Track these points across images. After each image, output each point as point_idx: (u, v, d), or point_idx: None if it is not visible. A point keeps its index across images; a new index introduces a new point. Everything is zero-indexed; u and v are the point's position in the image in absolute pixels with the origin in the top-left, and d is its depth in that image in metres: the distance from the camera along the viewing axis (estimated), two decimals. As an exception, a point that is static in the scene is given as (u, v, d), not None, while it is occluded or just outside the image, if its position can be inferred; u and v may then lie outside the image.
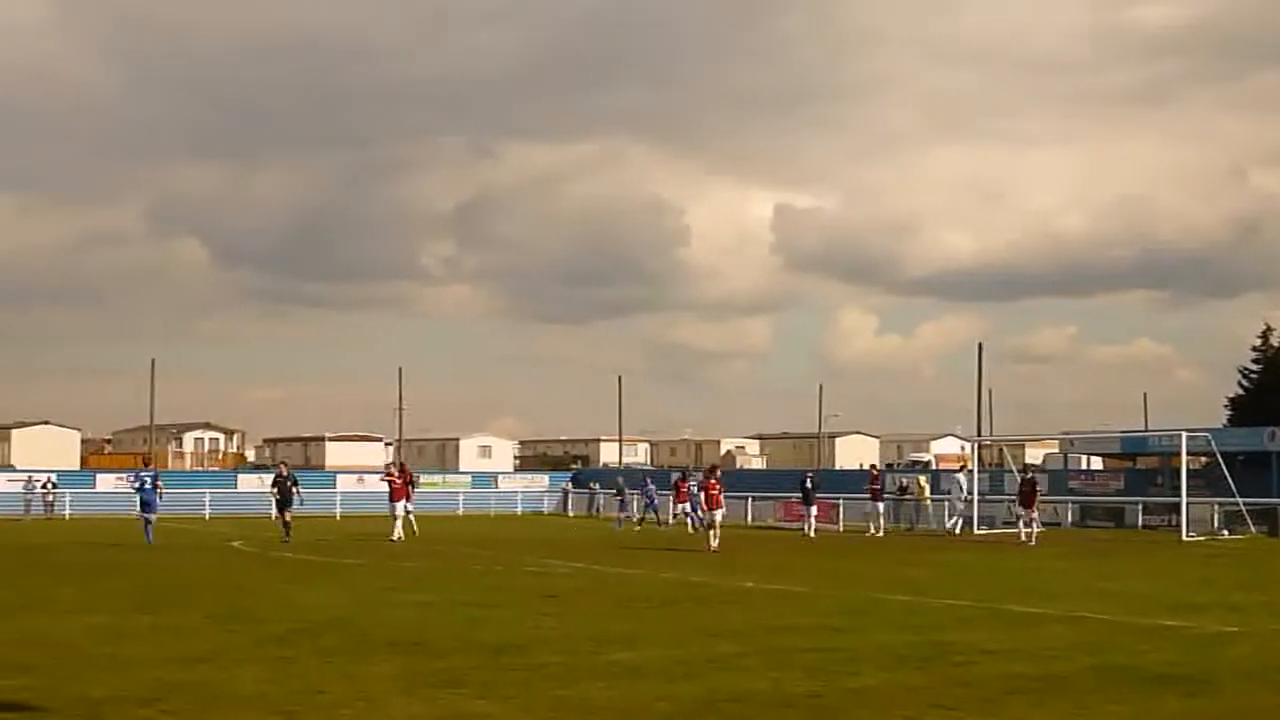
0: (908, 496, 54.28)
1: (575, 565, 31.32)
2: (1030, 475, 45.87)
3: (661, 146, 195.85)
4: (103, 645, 16.60)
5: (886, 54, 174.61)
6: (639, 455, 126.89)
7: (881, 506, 49.63)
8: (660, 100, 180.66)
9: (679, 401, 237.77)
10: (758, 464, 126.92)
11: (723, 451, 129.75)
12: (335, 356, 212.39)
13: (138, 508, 41.47)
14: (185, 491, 63.74)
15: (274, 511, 43.43)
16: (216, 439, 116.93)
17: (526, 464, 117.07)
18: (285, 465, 47.59)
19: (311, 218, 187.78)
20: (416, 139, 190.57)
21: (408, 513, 41.92)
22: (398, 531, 40.67)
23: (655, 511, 55.88)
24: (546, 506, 72.32)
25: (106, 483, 67.84)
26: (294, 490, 41.25)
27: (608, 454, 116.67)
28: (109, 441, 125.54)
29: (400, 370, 78.74)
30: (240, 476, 76.94)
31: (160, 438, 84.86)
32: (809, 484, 49.34)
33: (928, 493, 53.41)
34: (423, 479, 73.51)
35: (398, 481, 42.50)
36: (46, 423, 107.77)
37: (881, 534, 47.64)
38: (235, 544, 38.54)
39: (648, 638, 17.98)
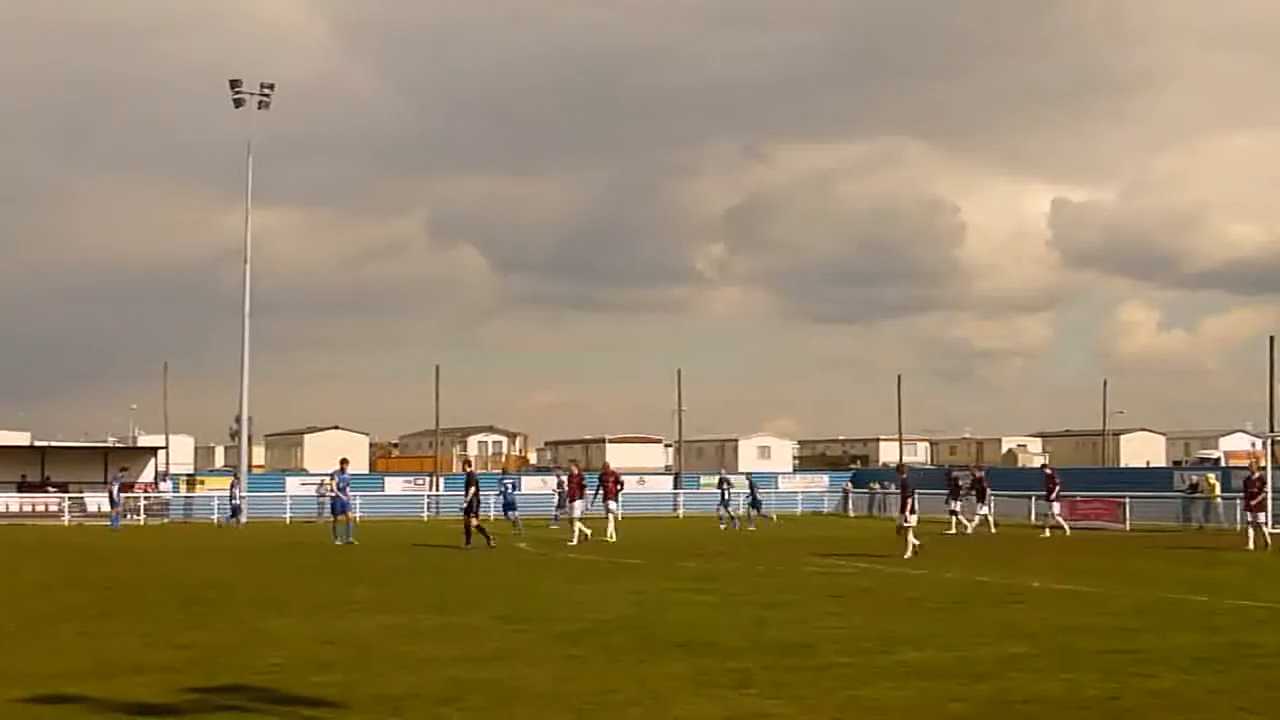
0: (1198, 495, 52.81)
1: (859, 565, 31.13)
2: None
3: (936, 144, 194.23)
4: (398, 644, 16.99)
5: (1166, 42, 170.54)
6: (919, 454, 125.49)
7: (1057, 507, 47.64)
8: (935, 97, 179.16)
9: (958, 400, 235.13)
10: (1039, 462, 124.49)
11: (1003, 450, 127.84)
12: (614, 359, 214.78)
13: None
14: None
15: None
16: (500, 442, 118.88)
17: (805, 464, 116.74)
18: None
19: (587, 224, 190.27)
20: (689, 144, 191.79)
21: (580, 516, 41.11)
22: (576, 535, 39.75)
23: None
24: (826, 506, 71.95)
25: (394, 486, 69.44)
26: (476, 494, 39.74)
27: (887, 453, 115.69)
28: (396, 445, 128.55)
29: (679, 372, 78.66)
30: (523, 479, 78.06)
31: (445, 441, 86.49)
32: (960, 480, 48.85)
33: (1218, 490, 51.92)
34: (703, 479, 74.11)
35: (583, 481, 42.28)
36: (337, 427, 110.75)
37: (1054, 532, 46.11)
38: (520, 545, 39.11)
39: (936, 637, 17.78)
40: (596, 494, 43.98)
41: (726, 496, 54.49)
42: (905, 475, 35.15)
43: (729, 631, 18.23)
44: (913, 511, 33.69)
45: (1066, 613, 20.91)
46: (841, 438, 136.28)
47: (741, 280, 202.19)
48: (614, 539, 40.49)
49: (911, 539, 33.14)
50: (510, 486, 49.35)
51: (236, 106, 65.76)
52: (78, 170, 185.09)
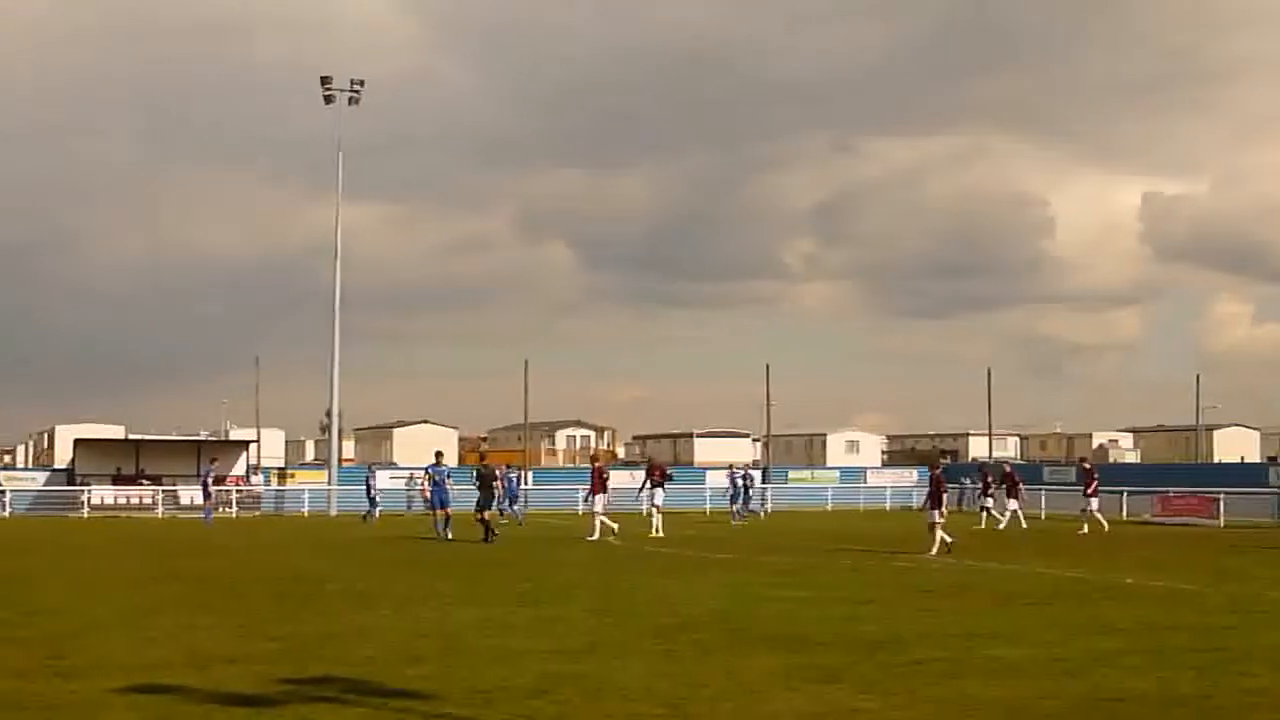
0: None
1: (949, 560, 30.96)
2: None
3: (1025, 137, 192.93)
4: (489, 637, 17.05)
5: (1257, 31, 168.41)
6: (1009, 449, 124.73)
7: (1095, 503, 46.54)
8: (1024, 90, 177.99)
9: (1048, 395, 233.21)
10: (1131, 458, 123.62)
11: (1094, 445, 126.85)
12: (702, 354, 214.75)
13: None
14: (558, 487, 65.24)
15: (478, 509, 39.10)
16: (588, 436, 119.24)
17: (894, 459, 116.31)
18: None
19: (674, 219, 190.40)
20: (778, 138, 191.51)
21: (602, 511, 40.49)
22: (596, 531, 39.15)
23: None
24: (915, 501, 71.60)
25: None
26: (496, 487, 39.29)
27: (977, 448, 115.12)
28: (485, 439, 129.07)
29: (767, 367, 78.56)
30: (611, 473, 78.20)
31: (533, 435, 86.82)
32: (991, 477, 48.59)
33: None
34: (791, 474, 74.03)
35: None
36: (426, 421, 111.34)
37: (1092, 528, 45.31)
38: (611, 539, 39.17)
39: (1028, 634, 17.65)
40: (643, 488, 43.80)
41: (743, 491, 53.89)
42: (939, 471, 34.63)
43: (819, 626, 18.18)
44: (938, 507, 33.25)
45: (1159, 609, 20.74)
46: (931, 432, 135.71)
47: (830, 275, 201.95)
48: (660, 534, 40.26)
49: (941, 535, 32.73)
50: (514, 480, 49.87)
51: (327, 103, 66.25)
52: (172, 167, 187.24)
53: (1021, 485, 48.07)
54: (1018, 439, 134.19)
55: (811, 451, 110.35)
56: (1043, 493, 57.24)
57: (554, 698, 12.67)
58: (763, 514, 53.04)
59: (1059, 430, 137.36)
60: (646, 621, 18.78)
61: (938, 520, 32.81)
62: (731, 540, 38.77)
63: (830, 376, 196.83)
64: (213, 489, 55.19)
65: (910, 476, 77.52)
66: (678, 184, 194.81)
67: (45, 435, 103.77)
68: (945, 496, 33.74)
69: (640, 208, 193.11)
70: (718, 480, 70.56)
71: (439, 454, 42.82)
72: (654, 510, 42.83)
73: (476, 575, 27.39)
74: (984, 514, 47.92)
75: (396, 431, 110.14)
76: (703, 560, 31.05)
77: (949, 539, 32.67)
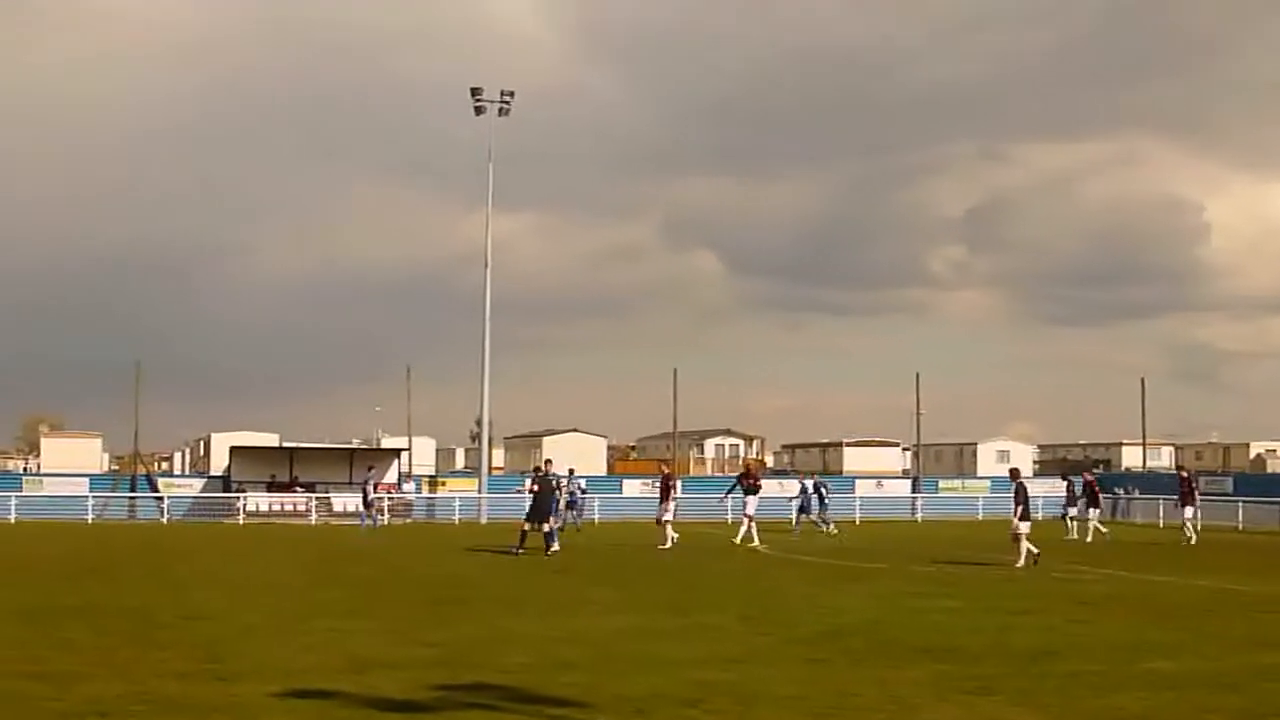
0: None
1: (1103, 571, 30.56)
2: None
3: (1179, 142, 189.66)
4: (640, 645, 17.10)
5: None
6: (1162, 459, 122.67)
7: (1189, 510, 45.44)
8: (1179, 94, 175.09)
9: (1203, 403, 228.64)
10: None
11: (1252, 455, 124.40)
12: (851, 363, 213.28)
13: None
14: (708, 496, 65.17)
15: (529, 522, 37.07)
16: (736, 445, 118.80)
17: (1046, 468, 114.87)
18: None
19: (823, 226, 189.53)
20: (926, 145, 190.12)
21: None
22: (669, 540, 39.00)
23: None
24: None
25: (632, 488, 69.78)
26: (559, 494, 37.98)
27: (1130, 458, 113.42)
28: (634, 448, 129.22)
29: (917, 375, 77.90)
30: (762, 482, 78.05)
31: (682, 444, 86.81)
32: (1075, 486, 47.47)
33: None
34: (942, 484, 73.49)
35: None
36: (575, 430, 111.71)
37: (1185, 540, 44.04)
38: (760, 547, 39.06)
39: (1185, 647, 17.39)
40: (730, 492, 43.31)
41: (815, 501, 52.57)
42: (1019, 480, 33.79)
43: (972, 637, 18.03)
44: (1025, 518, 32.56)
45: (1323, 623, 20.34)
46: (1083, 442, 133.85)
47: (980, 282, 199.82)
48: (745, 542, 39.89)
49: (1025, 546, 32.06)
50: (578, 488, 50.14)
51: (478, 114, 66.77)
52: (325, 178, 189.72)
53: (1100, 495, 47.00)
54: (1172, 448, 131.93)
55: (962, 460, 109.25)
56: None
57: (706, 707, 12.67)
58: (826, 529, 50.28)
59: (1214, 439, 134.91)
60: (797, 630, 18.74)
61: (1022, 531, 32.23)
62: (882, 550, 38.52)
63: (980, 385, 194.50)
64: (374, 496, 55.97)
65: (1062, 486, 76.52)
66: (826, 191, 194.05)
67: (201, 442, 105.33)
68: (1027, 507, 32.98)
69: (788, 215, 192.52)
70: (867, 489, 70.33)
71: (548, 463, 42.29)
72: (745, 518, 42.12)
73: (628, 583, 27.48)
74: (1071, 524, 46.87)
75: (546, 440, 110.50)
76: (855, 569, 30.86)
77: (1035, 550, 32.07)
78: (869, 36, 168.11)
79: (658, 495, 41.60)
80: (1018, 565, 31.35)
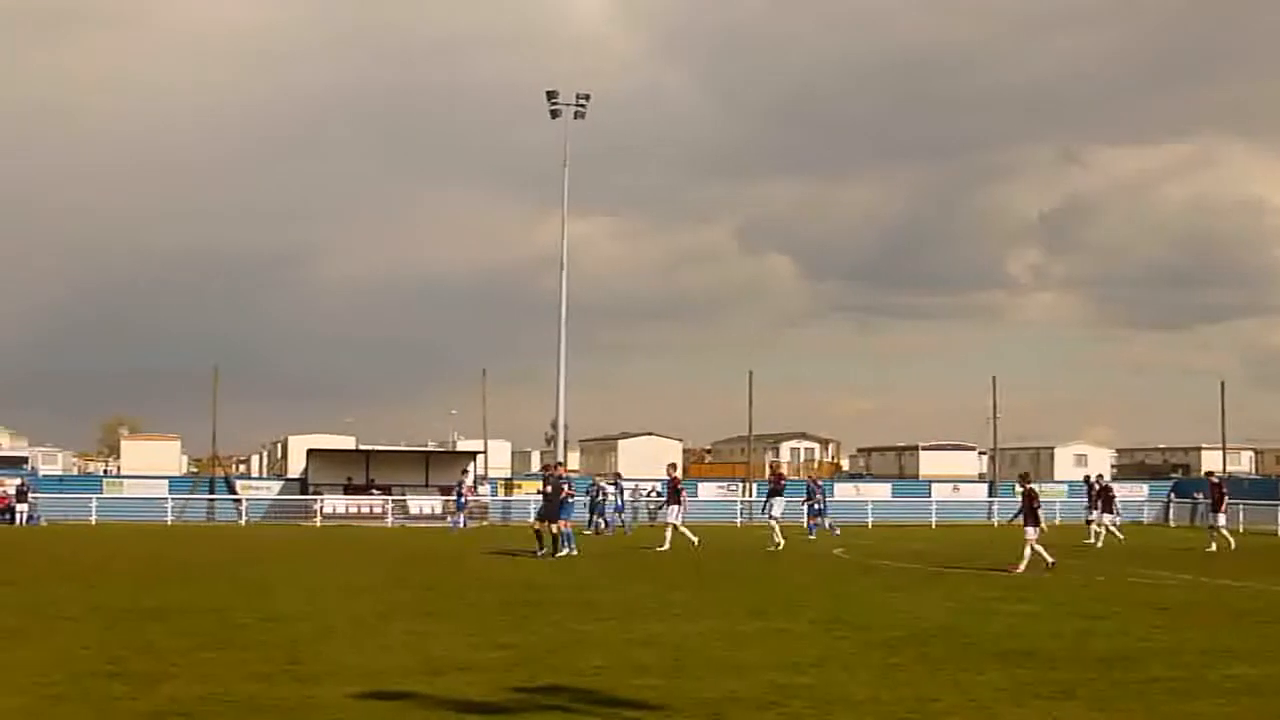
0: None
1: (1183, 576, 30.32)
2: None
3: (1259, 142, 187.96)
4: (716, 648, 17.08)
5: None
6: (1243, 464, 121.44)
7: (1223, 518, 44.55)
8: (1257, 95, 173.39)
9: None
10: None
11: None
12: (925, 365, 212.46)
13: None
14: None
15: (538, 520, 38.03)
16: (812, 449, 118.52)
17: (1124, 472, 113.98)
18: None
19: (897, 229, 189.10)
20: (1002, 147, 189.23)
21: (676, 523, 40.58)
22: (667, 541, 39.64)
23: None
24: (1146, 516, 70.30)
25: (707, 491, 69.79)
26: (571, 497, 38.01)
27: (1210, 463, 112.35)
28: (709, 451, 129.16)
29: (994, 379, 77.50)
30: (836, 485, 77.89)
31: (757, 447, 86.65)
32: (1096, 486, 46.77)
33: None
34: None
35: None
36: (650, 433, 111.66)
37: (1220, 545, 43.04)
38: (836, 551, 38.98)
39: (1265, 652, 17.23)
40: (769, 501, 42.98)
41: (819, 505, 52.16)
42: (1029, 486, 32.94)
43: (1050, 641, 17.92)
44: (1036, 524, 32.00)
45: (1407, 629, 20.09)
46: (1162, 446, 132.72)
47: (1057, 285, 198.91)
48: (780, 546, 39.72)
49: (1030, 552, 31.49)
50: (599, 491, 52.54)
51: (553, 117, 67.01)
52: (401, 181, 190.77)
53: (1116, 499, 46.18)
54: (1252, 453, 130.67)
55: (1039, 464, 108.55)
56: (1278, 510, 55.60)
57: (783, 710, 12.65)
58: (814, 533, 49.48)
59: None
60: (874, 634, 18.67)
61: (1030, 536, 31.71)
62: (956, 554, 38.32)
63: (1057, 388, 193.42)
64: (465, 499, 56.60)
65: (1141, 491, 75.99)
66: (901, 194, 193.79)
67: (279, 445, 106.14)
68: (1040, 512, 32.38)
69: (863, 218, 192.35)
70: (943, 493, 70.02)
71: (559, 464, 42.21)
72: (772, 521, 41.87)
73: (703, 586, 27.46)
74: (1090, 528, 46.19)
75: (621, 443, 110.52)
76: (931, 573, 30.72)
77: (1049, 558, 31.49)
78: (944, 37, 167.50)
79: (665, 499, 41.61)
80: (1019, 569, 30.80)
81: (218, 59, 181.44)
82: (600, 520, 54.10)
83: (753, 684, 14.06)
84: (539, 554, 35.83)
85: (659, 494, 66.14)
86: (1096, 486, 47.20)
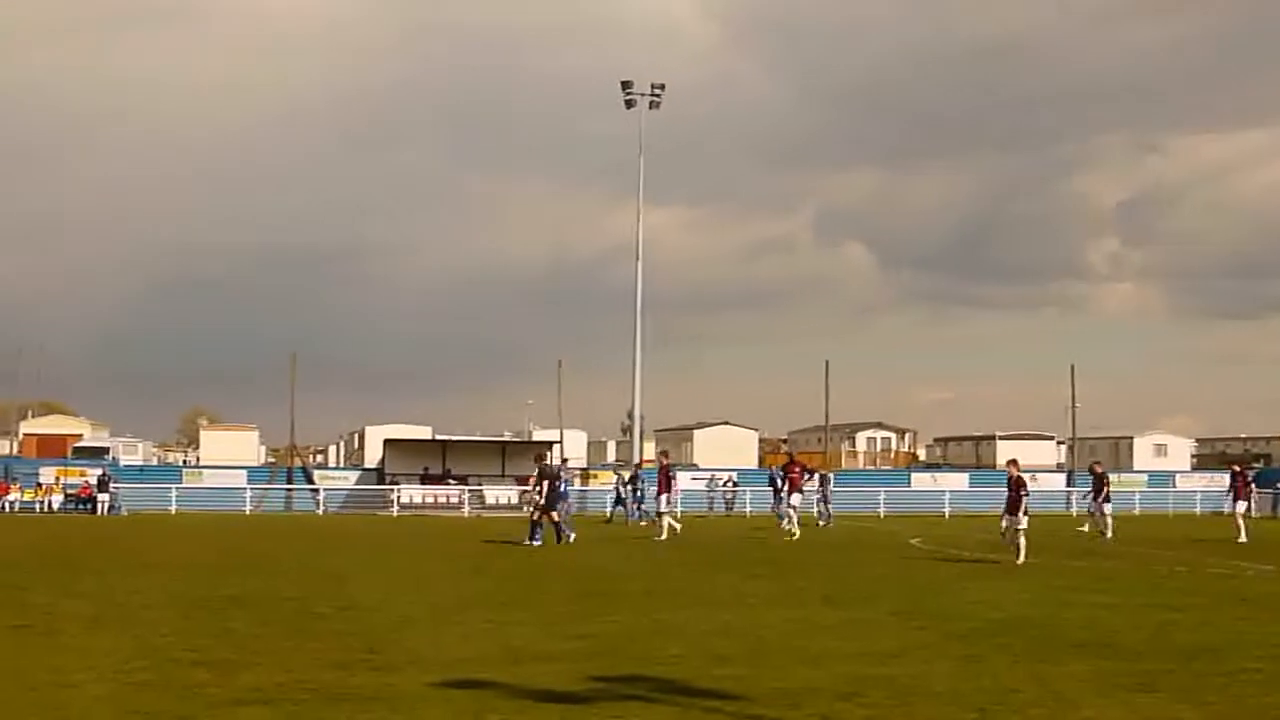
0: None
1: (1265, 568, 29.99)
2: None
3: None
4: (794, 638, 17.04)
5: None
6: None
7: (1242, 505, 43.80)
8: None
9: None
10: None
11: None
12: (1003, 356, 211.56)
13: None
14: (860, 490, 64.92)
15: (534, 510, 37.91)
16: (888, 438, 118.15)
17: (1204, 462, 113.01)
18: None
19: (974, 219, 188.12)
20: (1080, 136, 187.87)
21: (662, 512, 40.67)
22: (664, 531, 39.73)
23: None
24: (1227, 507, 69.54)
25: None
26: (561, 486, 38.37)
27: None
28: (785, 441, 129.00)
29: (1072, 368, 77.03)
30: (913, 475, 77.60)
31: (834, 437, 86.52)
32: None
33: None
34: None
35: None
36: (726, 423, 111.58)
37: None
38: (913, 541, 38.82)
39: (1352, 645, 17.01)
40: (782, 488, 42.79)
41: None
42: (1018, 475, 32.15)
43: (1130, 633, 17.77)
44: (1025, 513, 31.47)
45: None
46: (1242, 435, 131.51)
47: (1135, 275, 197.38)
48: (794, 537, 39.45)
49: (1022, 541, 30.97)
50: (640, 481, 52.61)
51: (628, 107, 67.07)
52: (475, 172, 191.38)
53: (1109, 488, 45.23)
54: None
55: (1118, 454, 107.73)
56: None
57: (862, 700, 12.59)
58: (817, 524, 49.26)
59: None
60: (953, 625, 18.57)
61: (1020, 527, 31.24)
62: (1035, 544, 38.04)
63: (1136, 378, 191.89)
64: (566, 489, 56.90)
65: (1222, 481, 75.22)
66: (978, 183, 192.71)
67: (356, 435, 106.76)
68: (1026, 502, 31.79)
69: (940, 208, 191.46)
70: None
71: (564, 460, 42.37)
72: (789, 511, 41.64)
73: (781, 575, 27.39)
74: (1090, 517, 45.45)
75: (697, 433, 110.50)
76: (1008, 564, 30.50)
77: (1026, 546, 30.89)
78: (1021, 26, 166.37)
79: (656, 487, 41.45)
80: (1019, 562, 30.43)
81: (297, 55, 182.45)
82: (636, 509, 53.36)
83: (831, 674, 14.02)
84: (527, 543, 35.88)
85: (734, 484, 66.16)
86: (1095, 475, 46.18)
